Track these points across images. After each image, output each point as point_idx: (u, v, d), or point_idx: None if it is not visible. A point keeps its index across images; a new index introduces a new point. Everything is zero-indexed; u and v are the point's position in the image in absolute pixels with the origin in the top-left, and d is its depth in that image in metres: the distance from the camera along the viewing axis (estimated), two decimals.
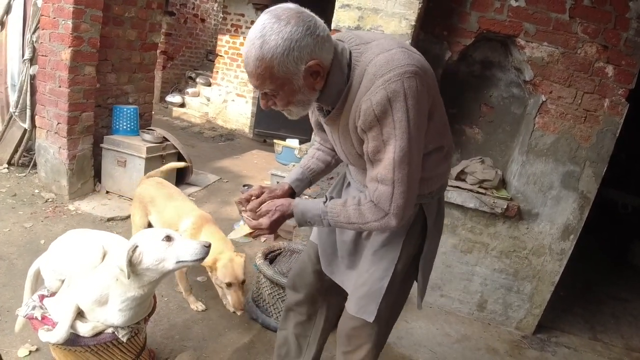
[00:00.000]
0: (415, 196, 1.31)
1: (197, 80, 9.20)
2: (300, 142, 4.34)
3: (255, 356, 2.42)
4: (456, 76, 3.13)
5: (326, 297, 1.88)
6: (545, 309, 3.10)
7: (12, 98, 4.15)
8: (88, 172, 4.03)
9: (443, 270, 3.19)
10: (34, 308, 1.72)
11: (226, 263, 2.36)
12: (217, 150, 6.71)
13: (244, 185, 3.50)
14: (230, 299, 2.40)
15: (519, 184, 2.97)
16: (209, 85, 8.85)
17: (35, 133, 4.03)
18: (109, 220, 3.65)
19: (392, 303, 1.59)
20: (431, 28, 2.88)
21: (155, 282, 1.69)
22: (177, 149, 4.36)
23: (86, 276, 1.68)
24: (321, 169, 1.72)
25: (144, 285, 1.65)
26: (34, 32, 3.88)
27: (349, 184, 1.65)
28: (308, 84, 1.23)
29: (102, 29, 3.81)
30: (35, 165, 4.13)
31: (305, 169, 1.69)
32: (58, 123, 3.76)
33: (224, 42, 8.44)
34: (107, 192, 4.15)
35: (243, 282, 2.40)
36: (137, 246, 1.61)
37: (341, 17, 2.62)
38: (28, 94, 3.98)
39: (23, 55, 4.02)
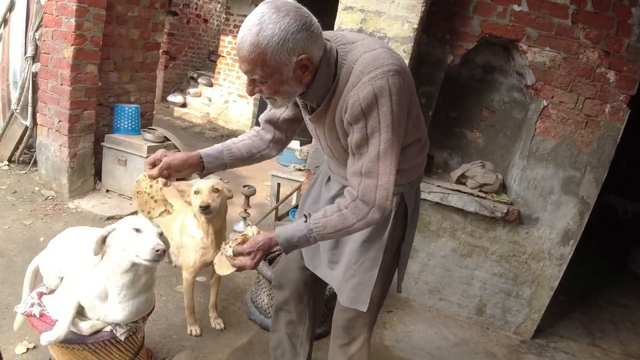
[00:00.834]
0: (393, 188, 1.34)
1: (199, 80, 9.20)
2: (301, 144, 4.33)
3: (253, 357, 2.42)
4: (458, 80, 3.14)
5: (312, 293, 1.93)
6: (544, 313, 3.10)
7: (14, 95, 4.15)
8: (88, 171, 4.03)
9: (442, 274, 3.19)
10: (32, 305, 1.72)
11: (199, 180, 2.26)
12: None
13: (245, 186, 3.49)
14: (195, 202, 2.26)
15: (519, 189, 2.97)
16: (211, 85, 8.85)
17: (37, 131, 4.03)
18: (108, 218, 3.65)
19: (382, 289, 1.68)
20: (434, 31, 2.89)
21: (141, 274, 1.69)
22: (178, 148, 4.36)
23: (86, 273, 1.68)
24: (241, 158, 1.67)
25: (128, 272, 1.64)
26: (36, 30, 3.89)
27: (329, 178, 1.70)
28: (296, 77, 1.27)
29: (104, 28, 3.81)
30: (35, 162, 4.13)
31: (226, 149, 1.64)
32: (59, 121, 3.76)
33: (226, 43, 8.44)
34: (107, 190, 4.15)
35: (214, 190, 2.28)
36: (114, 229, 1.64)
37: (344, 20, 2.62)
38: (30, 91, 3.98)
39: (25, 53, 4.02)
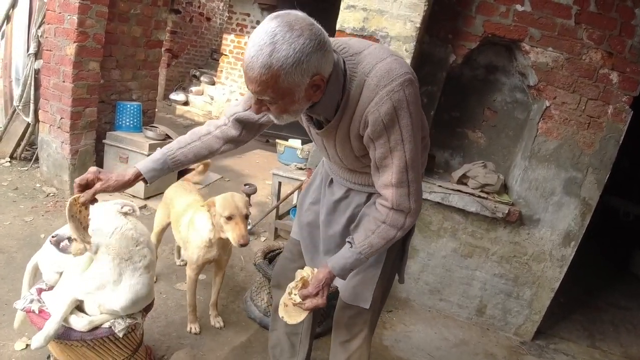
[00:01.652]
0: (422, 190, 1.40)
1: (202, 78, 9.20)
2: (303, 143, 4.33)
3: (252, 355, 2.42)
4: (460, 80, 3.13)
5: None
6: (545, 315, 3.09)
7: (16, 92, 4.16)
8: (90, 168, 4.02)
9: (443, 274, 3.18)
10: (31, 301, 1.72)
11: (225, 196, 2.22)
12: None
13: (245, 184, 3.50)
14: (231, 234, 2.16)
15: (520, 189, 2.96)
16: (213, 84, 8.86)
17: (38, 127, 4.03)
18: None
19: (384, 287, 1.70)
20: (436, 31, 2.88)
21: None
22: None
23: (84, 267, 1.68)
24: (187, 162, 1.59)
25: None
26: (39, 27, 3.89)
27: (331, 180, 1.68)
28: (307, 96, 1.23)
29: (107, 25, 3.81)
30: (37, 159, 4.13)
31: (169, 158, 1.55)
32: (61, 118, 3.76)
33: (228, 41, 8.45)
34: None
35: (246, 216, 2.20)
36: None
37: (346, 18, 2.61)
38: (32, 88, 3.98)
39: (28, 50, 4.02)
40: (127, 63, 4.31)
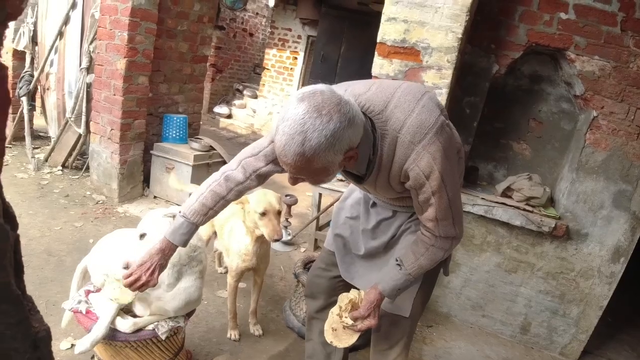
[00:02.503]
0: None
1: (244, 92, 9.41)
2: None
3: None
4: (504, 90, 3.08)
5: None
6: (592, 334, 2.95)
7: (69, 104, 4.38)
8: (137, 177, 4.19)
9: (486, 289, 3.10)
10: (79, 302, 1.79)
11: (258, 192, 2.23)
12: None
13: (286, 195, 3.54)
14: (265, 230, 2.19)
15: (568, 203, 2.87)
16: (256, 97, 9.05)
17: (89, 138, 4.23)
18: None
19: (425, 295, 1.70)
20: (478, 41, 2.85)
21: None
22: (222, 157, 4.47)
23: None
24: (213, 215, 1.56)
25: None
26: (91, 43, 4.09)
27: (374, 203, 1.70)
28: (341, 166, 1.27)
29: (155, 41, 3.98)
30: (88, 168, 4.33)
31: (196, 226, 1.53)
32: (111, 129, 3.93)
33: (271, 56, 8.63)
34: (155, 197, 4.30)
35: (279, 212, 2.24)
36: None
37: (387, 31, 2.62)
38: (84, 101, 4.18)
39: (80, 64, 4.23)
40: (174, 77, 4.47)
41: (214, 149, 4.43)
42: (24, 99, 4.66)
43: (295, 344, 2.60)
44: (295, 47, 8.62)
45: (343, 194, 1.91)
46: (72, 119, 4.30)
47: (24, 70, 4.71)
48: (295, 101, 1.14)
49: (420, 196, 1.35)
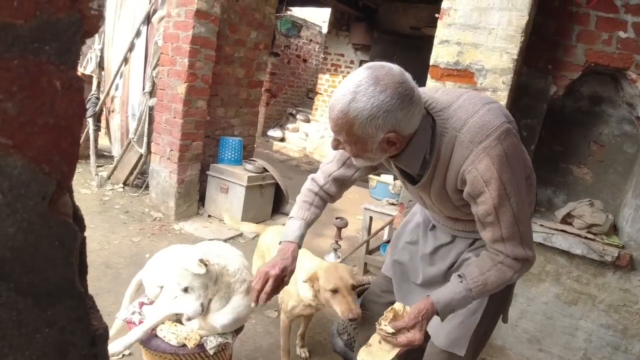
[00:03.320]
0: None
1: (297, 116, 9.60)
2: (395, 178, 4.31)
3: None
4: (562, 112, 2.97)
5: None
6: None
7: (132, 126, 4.63)
8: (193, 196, 4.32)
9: (543, 322, 2.94)
10: (133, 313, 1.85)
11: (328, 267, 2.03)
12: None
13: (337, 218, 3.53)
14: (338, 308, 1.89)
15: (632, 231, 2.69)
16: (308, 121, 9.19)
17: (150, 158, 4.42)
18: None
19: (483, 334, 1.57)
20: (534, 61, 2.78)
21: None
22: (275, 179, 4.55)
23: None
24: (317, 218, 1.68)
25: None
26: (154, 68, 4.32)
27: (433, 226, 1.64)
28: (381, 149, 1.24)
29: (214, 67, 4.15)
30: (147, 186, 4.52)
31: (304, 221, 1.62)
32: (171, 150, 4.10)
33: (323, 81, 8.76)
34: (209, 215, 4.42)
35: (353, 287, 1.96)
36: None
37: (440, 53, 2.61)
38: (146, 123, 4.40)
39: (144, 88, 4.48)
40: (230, 101, 4.63)
41: (267, 171, 4.52)
42: (90, 120, 4.95)
43: None
44: (348, 72, 8.72)
45: (405, 219, 1.86)
46: (134, 139, 4.52)
47: (91, 93, 5.03)
48: (363, 68, 1.18)
49: (480, 207, 1.26)
